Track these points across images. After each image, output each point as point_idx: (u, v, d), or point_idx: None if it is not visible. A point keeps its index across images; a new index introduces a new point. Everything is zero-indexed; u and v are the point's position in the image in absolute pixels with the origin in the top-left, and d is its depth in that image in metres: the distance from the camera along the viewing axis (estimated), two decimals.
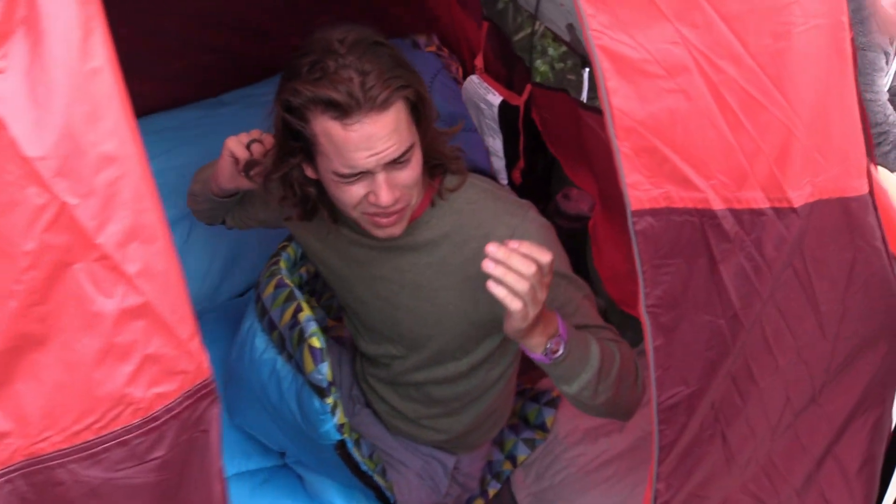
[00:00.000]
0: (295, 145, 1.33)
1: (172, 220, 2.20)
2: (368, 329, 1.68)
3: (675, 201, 1.08)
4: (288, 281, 1.50)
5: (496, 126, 2.25)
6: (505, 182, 2.31)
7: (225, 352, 1.73)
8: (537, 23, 2.28)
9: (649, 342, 1.10)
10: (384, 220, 1.36)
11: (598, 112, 1.30)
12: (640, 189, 1.05)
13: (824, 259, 1.22)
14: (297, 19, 2.02)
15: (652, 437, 1.18)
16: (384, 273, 1.53)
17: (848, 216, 1.21)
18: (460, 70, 2.50)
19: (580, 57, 2.29)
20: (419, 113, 1.33)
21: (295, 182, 1.39)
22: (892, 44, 2.64)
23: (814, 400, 1.35)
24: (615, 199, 1.73)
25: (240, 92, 2.46)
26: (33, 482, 0.93)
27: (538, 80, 2.14)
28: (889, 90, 2.74)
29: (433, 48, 2.55)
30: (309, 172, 1.36)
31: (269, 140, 1.46)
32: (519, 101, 2.19)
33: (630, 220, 1.05)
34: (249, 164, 1.46)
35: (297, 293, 1.46)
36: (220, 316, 2.00)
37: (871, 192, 1.23)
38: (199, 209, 1.75)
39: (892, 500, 1.67)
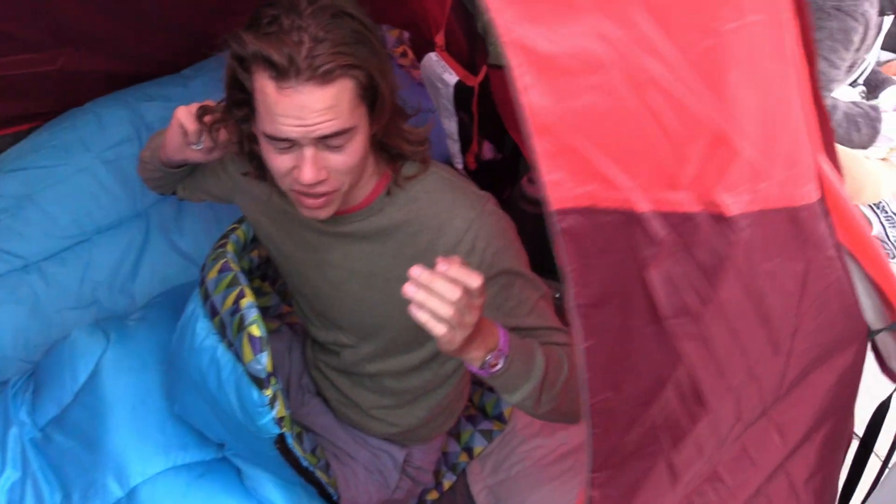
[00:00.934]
0: (240, 97, 1.27)
1: None
2: (318, 314, 1.64)
3: (599, 201, 1.01)
4: (233, 265, 1.43)
5: (451, 107, 2.17)
6: (460, 166, 2.24)
7: (169, 338, 1.66)
8: None
9: (579, 343, 1.04)
10: (308, 201, 1.31)
11: None
12: (562, 188, 0.99)
13: (773, 272, 1.16)
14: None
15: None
16: (334, 259, 1.48)
17: (796, 226, 1.16)
18: (408, 53, 2.40)
19: None
20: (372, 99, 1.26)
21: (244, 137, 1.34)
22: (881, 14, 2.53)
23: (764, 413, 1.31)
24: None
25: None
26: None
27: (491, 60, 2.05)
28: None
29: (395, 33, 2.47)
30: (254, 129, 1.31)
31: (220, 114, 1.40)
32: (474, 81, 2.10)
33: (552, 220, 0.99)
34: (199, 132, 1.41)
35: (241, 278, 1.39)
36: (166, 301, 1.92)
37: (823, 198, 1.18)
38: (149, 178, 1.69)
39: None
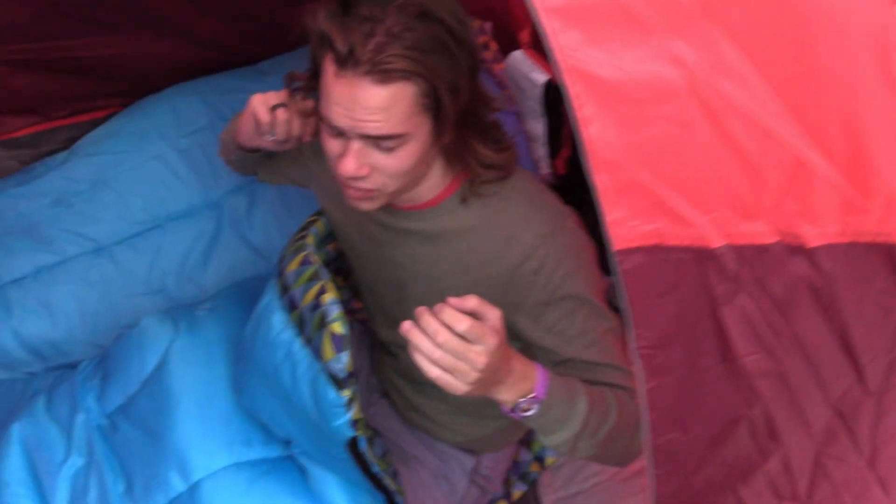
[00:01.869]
0: (315, 70, 1.24)
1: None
2: (381, 312, 1.60)
3: (667, 238, 0.96)
4: (314, 258, 1.39)
5: (539, 108, 2.09)
6: (546, 172, 2.17)
7: (237, 331, 1.64)
8: None
9: (641, 384, 0.99)
10: (350, 191, 1.27)
11: None
12: (625, 226, 0.93)
13: (859, 302, 1.09)
14: None
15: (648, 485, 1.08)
16: (397, 257, 1.44)
17: (886, 261, 1.09)
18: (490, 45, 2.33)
19: None
20: (437, 110, 1.20)
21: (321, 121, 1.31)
22: None
23: (861, 457, 1.22)
24: None
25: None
26: None
27: None
28: None
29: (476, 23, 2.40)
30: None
31: (296, 106, 1.37)
32: None
33: (614, 260, 0.93)
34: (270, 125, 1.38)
35: (323, 272, 1.35)
36: (235, 293, 1.90)
37: None
38: (229, 159, 1.68)
39: None
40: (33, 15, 1.92)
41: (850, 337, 1.10)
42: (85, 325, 2.02)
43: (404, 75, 1.14)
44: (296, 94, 1.37)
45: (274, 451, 1.56)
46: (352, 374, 1.26)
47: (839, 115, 1.04)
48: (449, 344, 1.05)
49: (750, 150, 0.97)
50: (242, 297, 1.81)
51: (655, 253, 0.94)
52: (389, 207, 1.35)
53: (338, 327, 1.24)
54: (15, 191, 2.15)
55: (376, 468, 1.41)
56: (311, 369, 1.31)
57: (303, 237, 1.48)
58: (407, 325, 1.07)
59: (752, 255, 0.99)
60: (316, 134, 1.38)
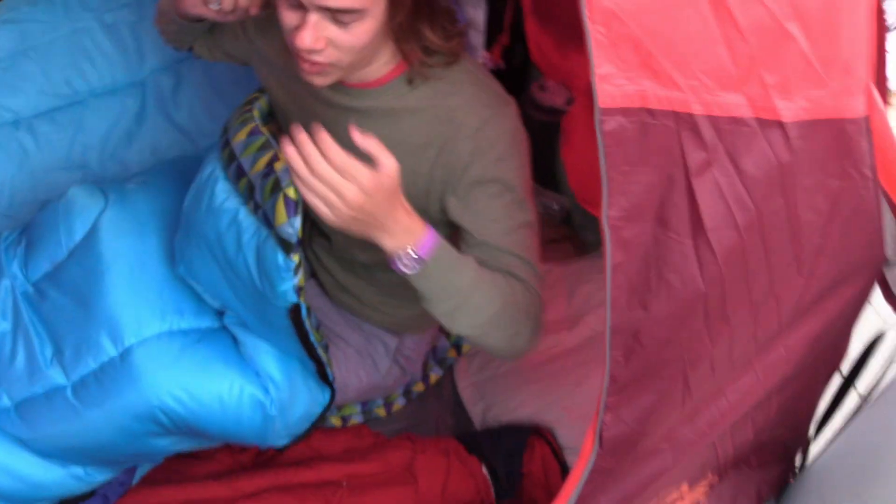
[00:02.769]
0: None
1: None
2: None
3: (651, 102, 0.98)
4: (263, 129, 1.41)
5: None
6: (480, 61, 2.19)
7: (169, 205, 1.66)
8: None
9: (608, 258, 1.03)
10: (304, 64, 1.29)
11: None
12: (612, 83, 0.95)
13: (811, 187, 1.15)
14: None
15: (603, 365, 1.12)
16: (338, 135, 1.46)
17: (840, 141, 1.14)
18: None
19: None
20: None
21: None
22: None
23: (776, 337, 1.32)
24: None
25: None
26: None
27: None
28: None
29: None
30: None
31: None
32: None
33: (598, 119, 0.96)
34: None
35: (274, 142, 1.38)
36: (166, 170, 1.89)
37: (868, 116, 1.14)
38: (166, 29, 1.65)
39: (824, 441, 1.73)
40: None
41: (798, 220, 1.15)
42: (2, 198, 1.98)
43: None
44: None
45: (206, 322, 1.59)
46: (301, 241, 1.30)
47: None
48: (324, 175, 1.11)
49: (738, 15, 0.99)
50: (173, 174, 1.81)
51: (638, 115, 0.97)
52: (338, 85, 1.37)
53: (292, 192, 1.27)
54: None
55: (313, 337, 1.47)
56: (258, 235, 1.34)
57: (248, 110, 1.50)
58: (290, 151, 1.12)
59: (728, 126, 1.02)
60: (263, 7, 1.38)
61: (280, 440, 1.62)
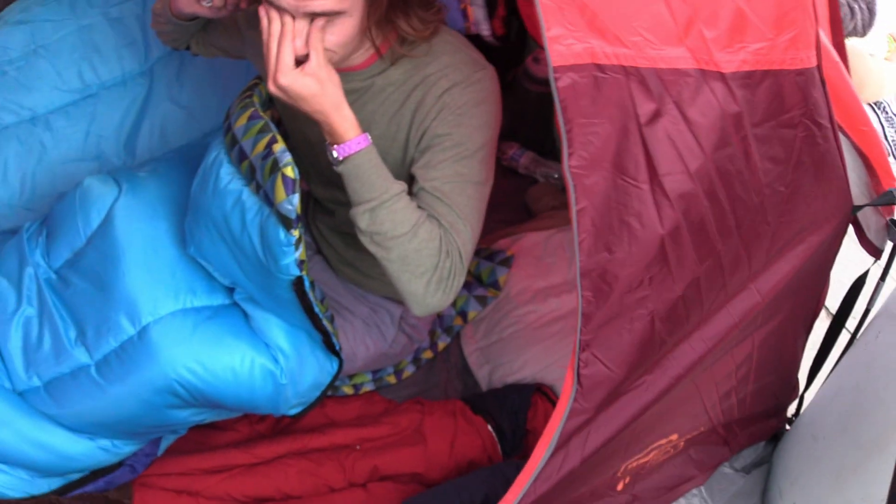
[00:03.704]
0: None
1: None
2: (317, 171, 1.70)
3: (599, 58, 1.05)
4: (262, 114, 1.49)
5: None
6: (487, 33, 2.24)
7: (178, 191, 1.73)
8: None
9: (573, 205, 1.10)
10: None
11: None
12: (562, 43, 1.02)
13: (767, 137, 1.20)
14: None
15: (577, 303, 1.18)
16: None
17: (791, 91, 1.19)
18: None
19: None
20: None
21: None
22: None
23: (746, 285, 1.38)
24: None
25: None
26: None
27: None
28: None
29: None
30: None
31: None
32: None
33: (551, 77, 1.02)
34: None
35: (272, 126, 1.45)
36: (175, 158, 1.97)
37: (820, 66, 1.21)
38: (162, 31, 1.72)
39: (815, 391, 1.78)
40: None
41: (755, 168, 1.20)
42: (24, 191, 2.08)
43: None
44: None
45: (217, 299, 1.68)
46: (300, 217, 1.38)
47: None
48: (270, 38, 1.26)
49: None
50: (182, 161, 1.88)
51: (588, 70, 1.04)
52: None
53: (290, 171, 1.34)
54: None
55: (317, 308, 1.55)
56: (261, 213, 1.42)
57: (248, 96, 1.57)
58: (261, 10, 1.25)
59: (672, 78, 1.09)
60: (252, 1, 1.46)
61: (292, 408, 1.70)
